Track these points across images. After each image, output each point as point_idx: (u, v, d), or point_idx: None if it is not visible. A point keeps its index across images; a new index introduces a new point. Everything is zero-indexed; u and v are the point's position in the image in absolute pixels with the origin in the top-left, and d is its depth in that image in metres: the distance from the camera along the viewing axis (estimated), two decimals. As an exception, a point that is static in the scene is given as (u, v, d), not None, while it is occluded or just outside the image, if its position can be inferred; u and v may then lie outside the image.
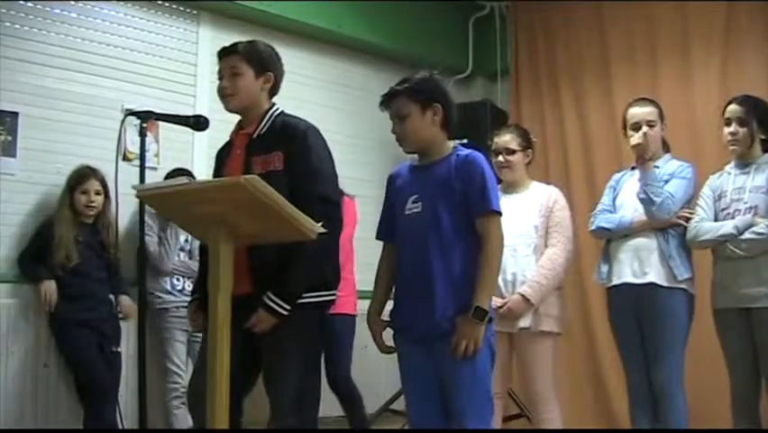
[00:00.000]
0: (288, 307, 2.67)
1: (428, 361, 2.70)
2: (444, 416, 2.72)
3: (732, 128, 3.52)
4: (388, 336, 2.89)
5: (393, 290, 2.88)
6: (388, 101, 2.79)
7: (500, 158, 3.71)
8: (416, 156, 2.89)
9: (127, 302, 4.19)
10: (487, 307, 2.62)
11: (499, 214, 2.72)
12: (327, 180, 2.82)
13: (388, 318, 2.85)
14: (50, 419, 4.10)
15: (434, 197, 2.72)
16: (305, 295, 2.74)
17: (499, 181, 3.54)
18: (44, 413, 4.09)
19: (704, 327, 3.70)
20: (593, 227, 3.76)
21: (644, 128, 3.63)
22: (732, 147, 3.54)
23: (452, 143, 2.82)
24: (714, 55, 4.98)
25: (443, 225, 2.69)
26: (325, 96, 5.49)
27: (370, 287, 2.97)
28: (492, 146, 3.77)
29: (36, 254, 4.05)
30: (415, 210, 2.76)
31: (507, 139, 3.75)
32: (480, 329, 2.61)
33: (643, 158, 3.57)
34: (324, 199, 2.74)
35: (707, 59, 5.01)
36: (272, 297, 2.67)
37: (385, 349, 2.86)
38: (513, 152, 3.73)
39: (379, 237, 2.94)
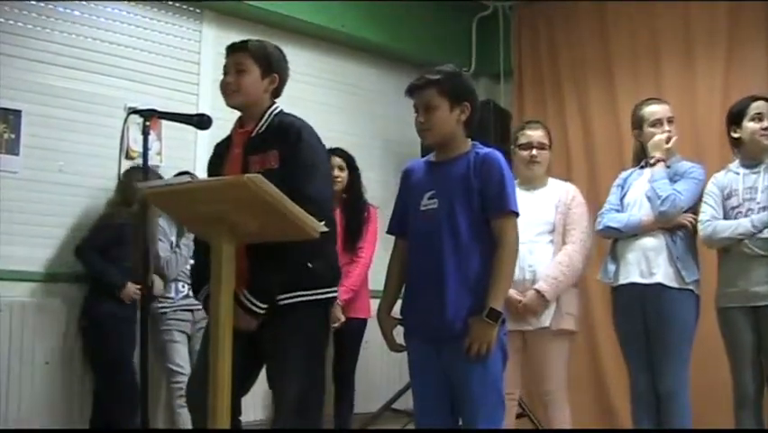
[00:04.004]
0: (261, 305, 2.65)
1: (438, 360, 2.67)
2: (452, 416, 2.69)
3: (766, 123, 3.52)
4: (397, 333, 2.84)
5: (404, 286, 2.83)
6: (416, 90, 2.75)
7: (534, 152, 3.71)
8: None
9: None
10: (500, 308, 2.58)
11: (517, 215, 2.69)
12: (320, 178, 2.79)
13: (399, 316, 2.81)
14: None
15: (452, 194, 2.69)
16: (303, 293, 2.72)
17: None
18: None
19: (705, 327, 3.69)
20: (600, 227, 3.75)
21: (667, 126, 3.65)
22: (767, 141, 3.52)
23: (470, 141, 2.80)
24: (717, 54, 4.98)
25: (459, 222, 2.65)
26: (328, 95, 5.48)
27: (377, 286, 2.94)
28: (521, 139, 3.77)
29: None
30: (431, 206, 2.72)
31: (540, 134, 3.77)
32: (494, 331, 2.58)
33: (662, 159, 3.57)
34: (316, 197, 2.70)
35: (709, 58, 5.00)
36: (247, 295, 2.65)
37: (396, 347, 2.81)
38: (545, 147, 3.74)
39: (390, 231, 2.90)
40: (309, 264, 2.72)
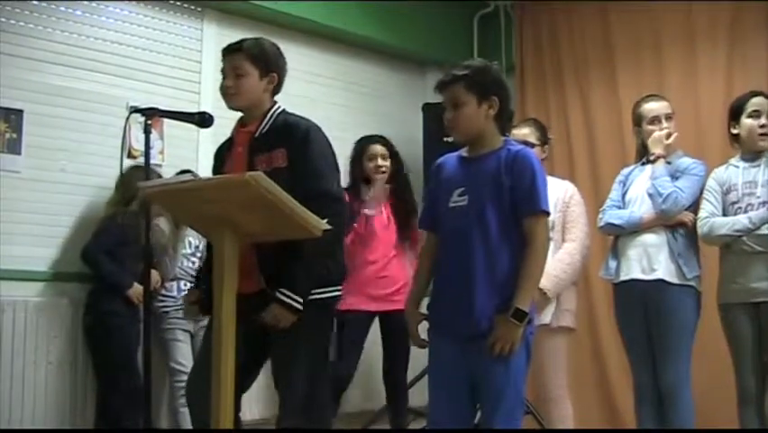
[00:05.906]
0: (301, 301, 2.65)
1: (461, 359, 2.63)
2: (467, 416, 2.67)
3: (763, 120, 3.51)
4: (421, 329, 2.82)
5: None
6: (444, 86, 2.70)
7: None
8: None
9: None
10: (527, 308, 2.55)
11: (547, 214, 2.66)
12: (329, 177, 2.80)
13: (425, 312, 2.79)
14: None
15: (482, 191, 2.64)
16: (312, 291, 2.72)
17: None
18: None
19: (708, 324, 3.68)
20: (602, 223, 3.74)
21: (665, 123, 3.64)
22: (761, 143, 3.52)
23: (502, 137, 2.74)
24: (719, 51, 4.96)
25: (488, 220, 2.61)
26: (329, 93, 5.47)
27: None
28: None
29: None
30: (460, 203, 2.67)
31: (526, 132, 3.72)
32: (518, 331, 2.55)
33: (662, 155, 3.57)
34: (326, 196, 2.71)
35: (712, 55, 4.99)
36: (286, 292, 2.65)
37: (420, 343, 2.78)
38: (532, 145, 3.70)
39: (422, 226, 2.87)
40: (325, 262, 2.73)
